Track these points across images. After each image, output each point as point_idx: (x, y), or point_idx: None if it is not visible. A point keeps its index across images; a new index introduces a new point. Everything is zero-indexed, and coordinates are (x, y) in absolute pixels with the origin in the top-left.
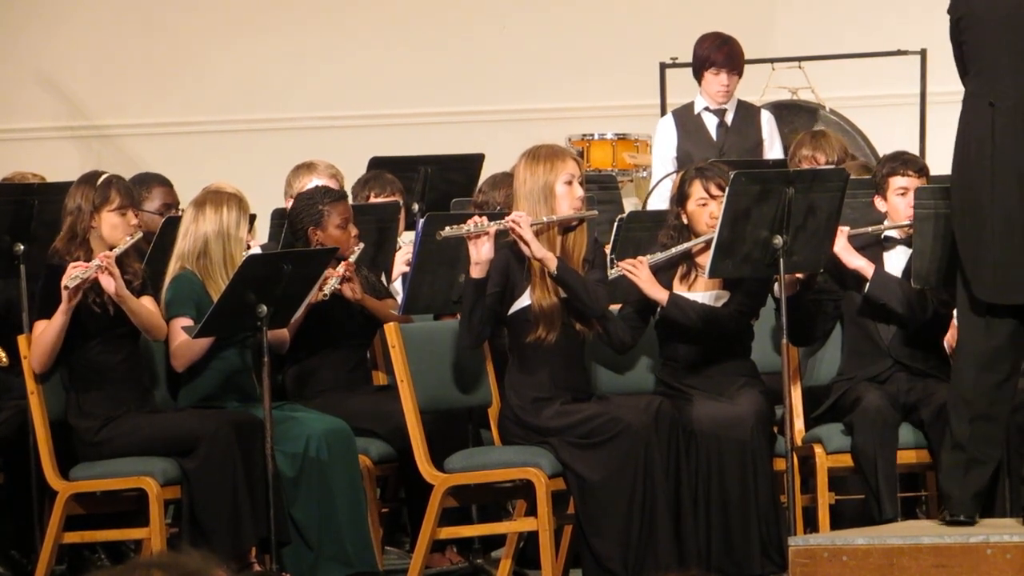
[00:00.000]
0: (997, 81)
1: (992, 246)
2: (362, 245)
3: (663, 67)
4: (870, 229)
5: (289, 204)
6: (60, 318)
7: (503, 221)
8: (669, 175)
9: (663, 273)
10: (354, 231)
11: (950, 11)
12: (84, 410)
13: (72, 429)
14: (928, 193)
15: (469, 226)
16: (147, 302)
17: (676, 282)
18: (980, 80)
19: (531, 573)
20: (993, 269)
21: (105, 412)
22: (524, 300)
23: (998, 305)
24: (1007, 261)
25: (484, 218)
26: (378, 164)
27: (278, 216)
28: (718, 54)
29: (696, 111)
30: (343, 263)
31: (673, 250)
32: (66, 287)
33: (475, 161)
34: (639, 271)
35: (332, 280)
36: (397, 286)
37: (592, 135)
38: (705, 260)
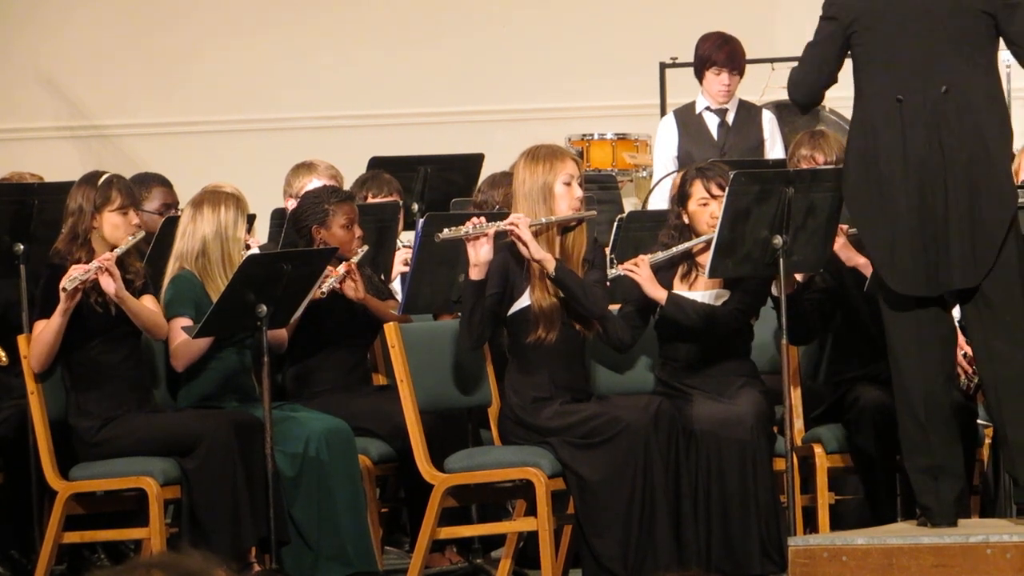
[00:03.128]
0: (904, 78)
1: (909, 240)
2: (366, 248)
3: (663, 67)
4: None
5: (288, 204)
6: (58, 319)
7: (502, 223)
8: (670, 175)
9: (664, 272)
10: (358, 232)
11: (836, 14)
12: (84, 410)
13: (72, 429)
14: None
15: (468, 228)
16: (148, 301)
17: (677, 281)
18: (884, 78)
19: (531, 573)
20: (912, 262)
21: (105, 412)
22: (524, 301)
23: (923, 301)
24: (923, 254)
25: (483, 219)
26: (378, 164)
27: (278, 216)
28: (720, 53)
29: (697, 111)
30: (344, 263)
31: (674, 249)
32: (64, 288)
33: (475, 161)
34: (640, 270)
35: (331, 278)
36: (396, 286)
37: (592, 135)
38: (706, 260)
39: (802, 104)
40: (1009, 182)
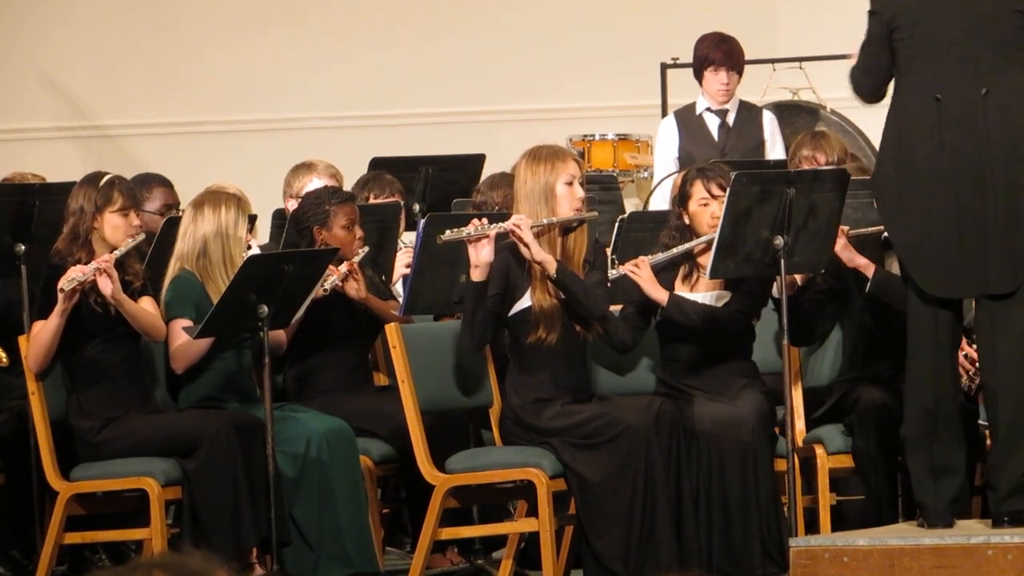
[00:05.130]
0: (943, 77)
1: (937, 241)
2: (367, 248)
3: (664, 67)
4: (871, 229)
5: (288, 204)
6: (56, 320)
7: (503, 224)
8: (670, 175)
9: (665, 273)
10: (359, 233)
11: (877, 8)
12: (85, 410)
13: (73, 429)
14: None
15: (469, 229)
16: (147, 303)
17: (678, 282)
18: (923, 76)
19: (532, 574)
20: (939, 263)
21: (106, 412)
22: (525, 301)
23: (944, 303)
24: (951, 255)
25: (484, 220)
26: (379, 164)
27: (278, 217)
28: (717, 52)
29: (698, 111)
30: (347, 262)
31: (674, 250)
32: (62, 289)
33: (476, 161)
34: (640, 271)
35: (333, 277)
36: (398, 288)
37: (593, 135)
38: (707, 260)
39: (866, 102)
40: None
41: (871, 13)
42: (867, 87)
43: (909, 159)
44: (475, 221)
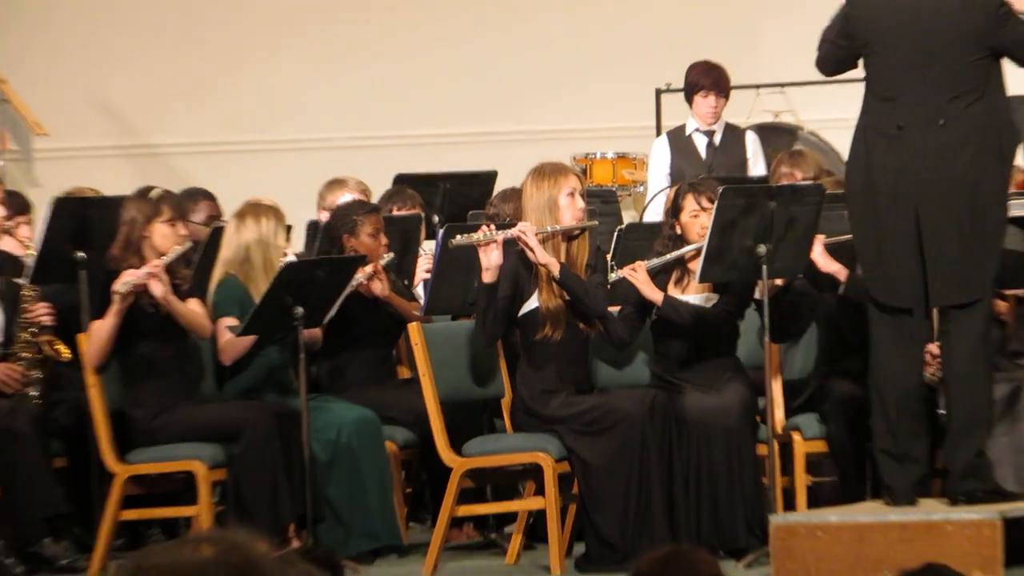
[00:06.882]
0: (905, 108)
1: (890, 255)
2: (392, 255)
3: (658, 92)
4: (844, 238)
5: (321, 216)
6: (111, 320)
7: (510, 231)
8: (664, 190)
9: (659, 277)
10: (384, 240)
11: (853, 32)
12: (139, 400)
13: (128, 418)
14: None
15: (479, 235)
16: (194, 304)
17: (671, 286)
18: (888, 104)
19: (539, 546)
20: (895, 278)
21: (157, 403)
22: (532, 303)
23: (905, 308)
24: (907, 271)
25: (492, 227)
26: (402, 180)
27: (311, 227)
28: (706, 79)
29: (688, 132)
30: (371, 263)
31: (668, 256)
32: (117, 292)
33: (489, 177)
34: (638, 274)
35: (358, 275)
36: (419, 291)
37: (594, 154)
38: (697, 266)
39: (827, 74)
40: (1002, 208)
41: (846, 34)
42: (830, 73)
43: (873, 181)
44: (484, 228)
